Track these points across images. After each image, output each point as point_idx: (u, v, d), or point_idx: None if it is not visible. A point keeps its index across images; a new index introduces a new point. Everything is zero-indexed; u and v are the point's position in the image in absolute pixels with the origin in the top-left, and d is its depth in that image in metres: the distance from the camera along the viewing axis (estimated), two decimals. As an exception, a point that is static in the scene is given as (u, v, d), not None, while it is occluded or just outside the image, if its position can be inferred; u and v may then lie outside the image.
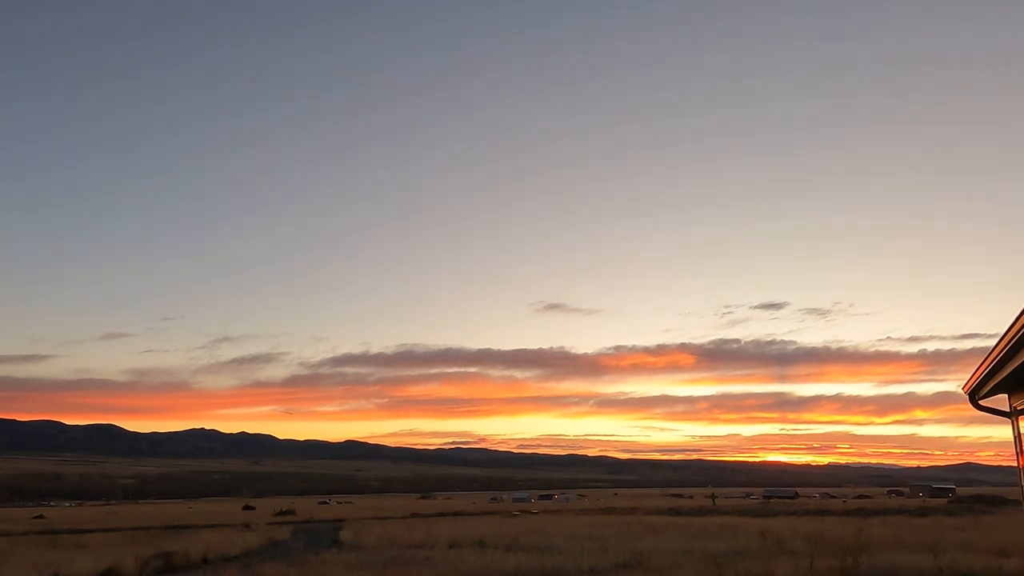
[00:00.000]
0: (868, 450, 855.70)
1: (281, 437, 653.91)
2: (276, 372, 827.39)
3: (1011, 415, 10.56)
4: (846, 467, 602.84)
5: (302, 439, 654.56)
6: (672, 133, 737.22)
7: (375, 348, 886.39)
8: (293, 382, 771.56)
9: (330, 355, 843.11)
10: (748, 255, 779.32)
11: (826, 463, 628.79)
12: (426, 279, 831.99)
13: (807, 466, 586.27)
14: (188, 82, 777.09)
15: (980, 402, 10.67)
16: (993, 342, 8.18)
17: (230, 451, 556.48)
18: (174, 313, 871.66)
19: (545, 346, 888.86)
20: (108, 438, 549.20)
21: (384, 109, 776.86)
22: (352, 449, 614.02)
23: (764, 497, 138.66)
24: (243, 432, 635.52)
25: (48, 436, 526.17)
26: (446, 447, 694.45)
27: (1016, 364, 7.85)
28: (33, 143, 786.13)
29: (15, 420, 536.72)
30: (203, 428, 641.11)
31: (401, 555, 26.22)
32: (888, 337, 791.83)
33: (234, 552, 29.52)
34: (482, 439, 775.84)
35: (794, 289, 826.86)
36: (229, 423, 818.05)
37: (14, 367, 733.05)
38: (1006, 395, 10.55)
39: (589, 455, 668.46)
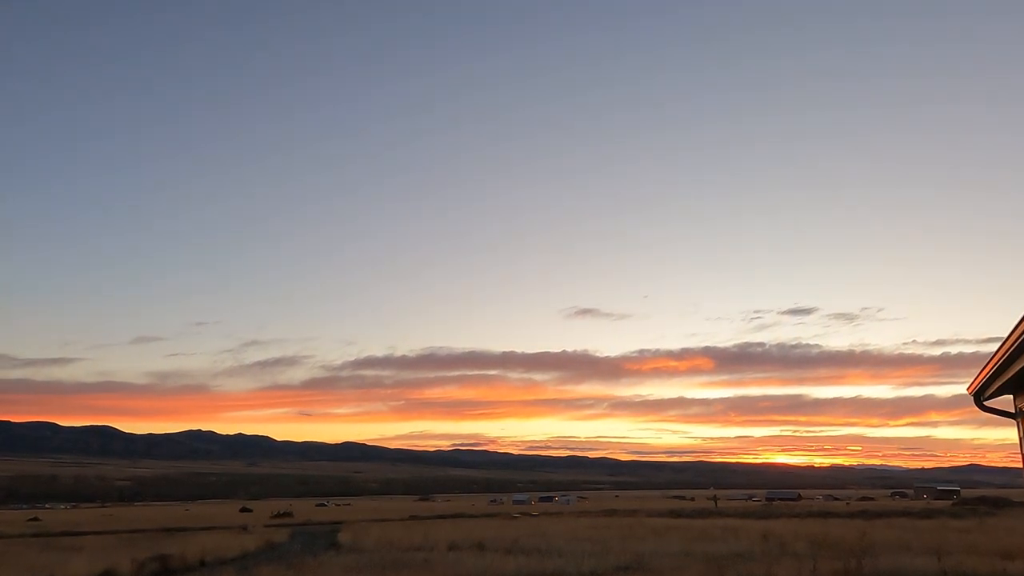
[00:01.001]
0: (879, 452, 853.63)
1: (280, 439, 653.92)
2: (296, 375, 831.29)
3: (1016, 416, 10.42)
4: (850, 469, 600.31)
5: (300, 440, 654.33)
6: (705, 140, 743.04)
7: (400, 351, 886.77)
8: (310, 385, 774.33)
9: (353, 358, 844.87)
10: (779, 262, 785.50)
11: (829, 464, 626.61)
12: (459, 284, 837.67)
13: (810, 467, 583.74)
14: (210, 87, 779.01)
15: (985, 403, 10.51)
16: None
17: (227, 453, 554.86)
18: (208, 317, 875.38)
19: (570, 349, 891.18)
20: (104, 439, 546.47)
21: (408, 114, 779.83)
22: (351, 451, 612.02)
23: (766, 499, 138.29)
24: (240, 433, 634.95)
25: (43, 438, 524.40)
26: (446, 448, 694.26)
27: (1022, 364, 7.73)
28: (63, 147, 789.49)
29: (10, 422, 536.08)
30: (200, 430, 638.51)
31: (400, 557, 26.07)
32: (913, 341, 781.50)
33: (231, 554, 29.27)
34: (492, 441, 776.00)
35: (824, 295, 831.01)
36: (237, 425, 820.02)
37: (36, 370, 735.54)
38: (1011, 396, 10.42)
39: (590, 456, 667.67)
